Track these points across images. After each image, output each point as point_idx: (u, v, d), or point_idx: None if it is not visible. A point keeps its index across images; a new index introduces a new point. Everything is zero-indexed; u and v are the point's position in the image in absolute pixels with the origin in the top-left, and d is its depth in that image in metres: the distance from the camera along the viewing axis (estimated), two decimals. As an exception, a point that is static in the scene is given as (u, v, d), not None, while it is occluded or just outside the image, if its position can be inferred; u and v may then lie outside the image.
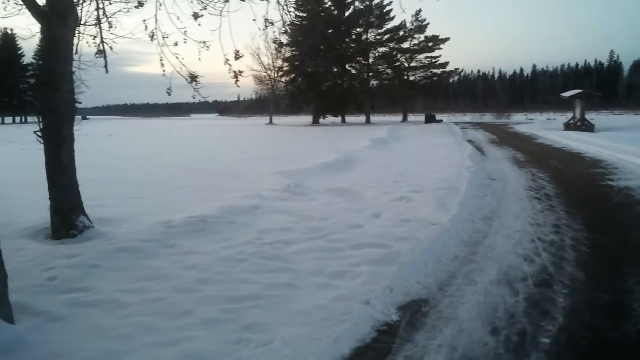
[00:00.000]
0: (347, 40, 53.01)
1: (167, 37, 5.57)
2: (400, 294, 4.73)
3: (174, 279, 5.09)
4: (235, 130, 40.64)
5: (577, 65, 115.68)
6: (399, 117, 61.65)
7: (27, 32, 7.80)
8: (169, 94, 5.60)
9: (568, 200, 9.21)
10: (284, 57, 55.13)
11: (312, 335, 3.80)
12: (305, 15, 47.34)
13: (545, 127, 33.95)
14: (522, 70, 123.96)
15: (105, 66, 7.32)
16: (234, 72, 5.39)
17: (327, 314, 4.18)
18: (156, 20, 5.76)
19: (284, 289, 4.76)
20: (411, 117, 60.73)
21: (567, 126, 30.71)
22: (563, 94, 34.30)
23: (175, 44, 5.49)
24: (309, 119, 58.03)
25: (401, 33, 55.31)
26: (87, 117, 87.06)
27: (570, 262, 5.66)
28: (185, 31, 5.43)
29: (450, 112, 79.75)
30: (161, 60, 5.59)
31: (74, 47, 6.99)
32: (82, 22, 7.27)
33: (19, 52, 74.22)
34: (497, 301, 4.57)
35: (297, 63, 52.79)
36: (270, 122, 57.69)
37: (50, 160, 6.84)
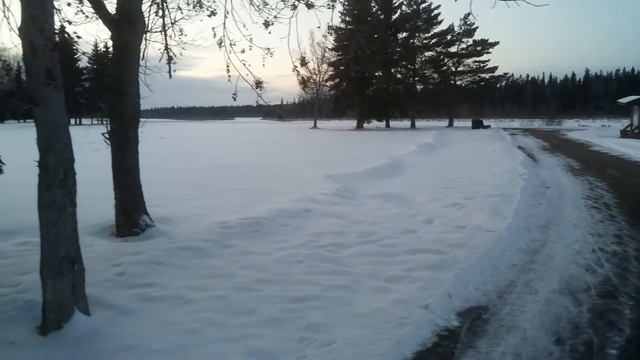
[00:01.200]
0: (393, 44, 52.76)
1: (234, 45, 5.78)
2: (459, 300, 4.71)
3: (234, 278, 5.26)
4: (280, 134, 41.13)
5: (633, 70, 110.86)
6: (444, 122, 60.77)
7: (94, 38, 8.23)
8: (234, 99, 5.81)
9: (629, 210, 8.87)
10: (329, 62, 55.49)
11: (373, 337, 3.85)
12: (351, 19, 47.59)
13: (600, 134, 32.68)
14: (574, 74, 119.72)
15: (169, 72, 7.65)
16: (302, 78, 5.53)
17: (386, 316, 4.23)
18: (224, 27, 5.98)
19: (342, 291, 4.83)
20: (457, 123, 59.67)
21: (624, 134, 29.46)
22: (620, 100, 32.89)
23: (243, 51, 5.70)
24: (352, 123, 58.11)
25: (449, 37, 54.59)
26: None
27: (635, 274, 5.47)
28: (251, 38, 5.63)
29: (497, 118, 78.00)
30: (228, 66, 5.81)
31: (141, 53, 7.34)
32: (148, 29, 7.62)
33: (75, 56, 77.49)
34: (560, 311, 4.48)
35: (342, 68, 53.02)
36: (315, 126, 58.06)
37: (117, 162, 7.18)
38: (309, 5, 5.00)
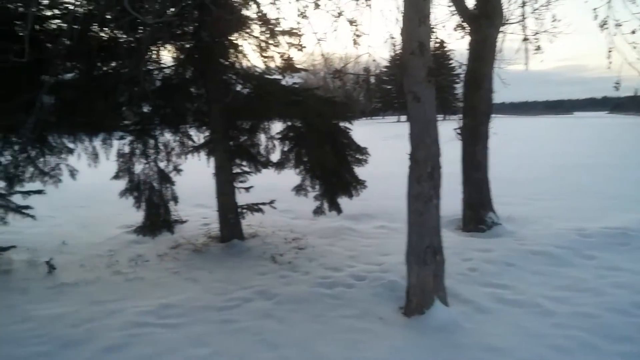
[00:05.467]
0: None
1: (620, 26, 4.95)
2: None
3: (602, 296, 4.52)
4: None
5: None
6: None
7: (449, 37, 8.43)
8: (617, 89, 4.99)
9: None
10: None
11: None
12: None
13: None
14: None
15: (526, 63, 7.24)
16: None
17: None
18: (609, 7, 5.20)
19: None
20: None
21: None
22: None
23: (633, 32, 4.80)
24: None
25: None
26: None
27: None
28: (644, 14, 4.69)
29: None
30: (609, 51, 5.03)
31: (497, 47, 7.15)
32: (505, 21, 7.37)
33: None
34: None
35: None
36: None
37: (466, 157, 7.24)
38: None
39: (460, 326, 4.01)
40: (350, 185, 5.82)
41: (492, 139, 7.22)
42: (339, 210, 6.02)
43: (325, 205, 5.99)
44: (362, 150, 6.26)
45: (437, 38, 6.08)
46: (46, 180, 5.77)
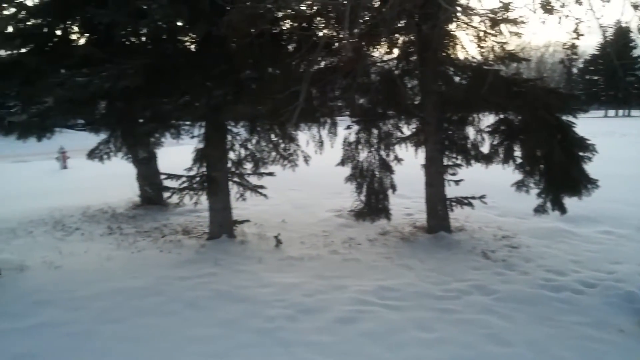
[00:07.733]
0: None
1: None
2: None
3: None
4: None
5: None
6: None
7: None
8: None
9: None
10: None
11: None
12: None
13: None
14: None
15: None
16: None
17: None
18: None
19: None
20: None
21: None
22: None
23: None
24: None
25: None
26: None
27: None
28: None
29: None
30: None
31: None
32: None
33: (631, 44, 72.23)
34: None
35: None
36: None
37: None
38: None
39: None
40: (580, 183, 5.35)
41: None
42: (563, 210, 5.59)
43: (548, 204, 5.62)
44: (588, 146, 5.71)
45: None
46: (285, 164, 6.49)
